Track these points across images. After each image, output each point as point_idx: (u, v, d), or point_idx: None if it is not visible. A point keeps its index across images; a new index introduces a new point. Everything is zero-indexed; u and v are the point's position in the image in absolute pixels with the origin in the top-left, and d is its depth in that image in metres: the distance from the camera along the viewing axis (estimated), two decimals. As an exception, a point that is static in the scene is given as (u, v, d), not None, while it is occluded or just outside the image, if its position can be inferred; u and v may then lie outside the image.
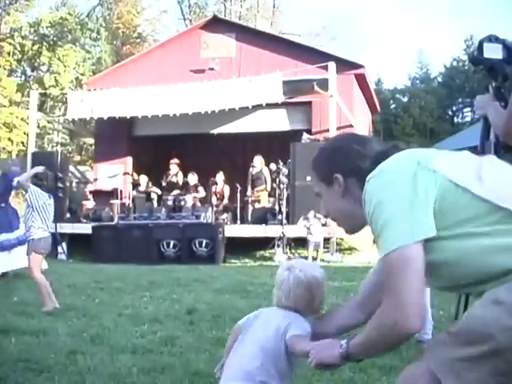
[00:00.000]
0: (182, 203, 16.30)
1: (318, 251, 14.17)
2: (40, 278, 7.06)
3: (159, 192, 17.23)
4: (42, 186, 7.36)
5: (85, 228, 15.26)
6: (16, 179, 9.12)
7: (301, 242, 14.86)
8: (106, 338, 5.51)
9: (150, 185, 17.45)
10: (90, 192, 18.19)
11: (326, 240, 14.83)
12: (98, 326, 6.10)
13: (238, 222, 15.74)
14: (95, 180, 19.43)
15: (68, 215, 17.01)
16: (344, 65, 16.72)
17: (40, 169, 7.79)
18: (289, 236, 14.26)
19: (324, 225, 13.98)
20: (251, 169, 16.28)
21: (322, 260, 14.37)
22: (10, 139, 32.80)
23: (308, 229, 13.97)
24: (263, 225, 14.96)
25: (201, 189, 16.60)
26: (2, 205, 9.62)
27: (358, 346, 2.00)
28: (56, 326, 5.85)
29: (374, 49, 77.37)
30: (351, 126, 16.91)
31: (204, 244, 13.81)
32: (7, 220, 9.50)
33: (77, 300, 7.54)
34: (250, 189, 16.14)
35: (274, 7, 44.23)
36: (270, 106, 15.99)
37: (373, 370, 4.59)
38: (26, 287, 8.42)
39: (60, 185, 16.52)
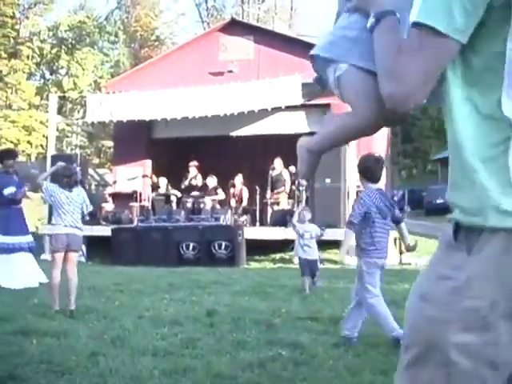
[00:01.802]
0: (202, 205, 16.29)
1: (314, 278, 9.22)
2: (52, 277, 6.99)
3: (179, 194, 17.23)
4: (67, 182, 7.22)
5: (104, 230, 15.29)
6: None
7: (320, 244, 14.77)
8: (127, 340, 5.51)
9: (170, 187, 17.45)
10: (110, 194, 18.25)
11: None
12: (118, 328, 6.08)
13: (258, 224, 15.69)
14: (114, 182, 19.46)
15: (87, 218, 17.03)
16: (363, 66, 16.61)
17: (59, 165, 7.73)
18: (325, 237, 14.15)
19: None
20: (271, 171, 16.23)
21: (341, 263, 14.27)
22: (29, 142, 33.08)
23: (300, 236, 9.48)
24: (282, 227, 14.89)
25: (220, 191, 16.58)
26: (14, 206, 9.31)
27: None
28: (77, 328, 5.85)
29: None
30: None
31: (223, 246, 13.79)
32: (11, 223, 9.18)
33: (97, 302, 7.54)
34: (269, 191, 16.10)
35: (291, 9, 44.23)
36: (289, 108, 15.93)
37: (393, 372, 4.50)
38: (46, 289, 8.42)
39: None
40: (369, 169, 5.60)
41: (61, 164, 7.84)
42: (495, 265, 1.44)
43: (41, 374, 4.39)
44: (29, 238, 9.31)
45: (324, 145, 1.92)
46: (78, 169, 7.89)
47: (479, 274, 1.46)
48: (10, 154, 9.68)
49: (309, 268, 8.94)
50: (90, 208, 7.55)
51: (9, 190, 8.87)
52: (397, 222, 5.77)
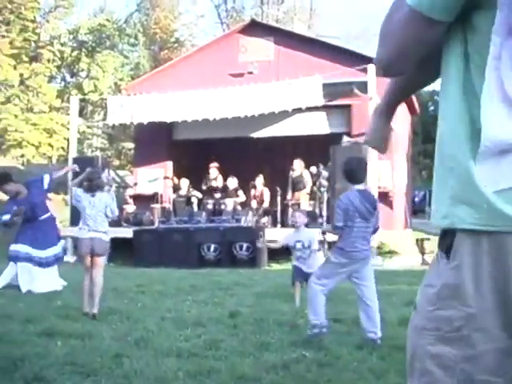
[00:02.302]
0: (222, 207, 16.31)
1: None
2: (84, 279, 7.05)
3: (200, 196, 17.24)
4: (89, 186, 7.22)
5: (126, 232, 15.33)
6: (46, 180, 9.07)
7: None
8: (150, 342, 5.51)
9: (191, 189, 17.48)
10: (131, 196, 18.29)
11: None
12: (141, 329, 6.10)
13: (279, 225, 15.65)
14: (135, 184, 19.51)
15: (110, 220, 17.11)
16: (383, 67, 16.52)
17: (88, 171, 7.76)
18: (329, 239, 14.10)
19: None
20: (291, 172, 16.19)
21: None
22: (50, 144, 33.25)
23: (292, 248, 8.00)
24: (304, 228, 14.84)
25: (241, 192, 16.58)
26: (42, 217, 9.21)
27: None
28: (100, 330, 5.87)
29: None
30: (391, 128, 16.69)
31: (245, 248, 13.78)
32: (41, 235, 9.12)
33: (120, 304, 7.56)
34: (290, 192, 16.07)
35: (311, 10, 44.10)
36: (309, 109, 15.87)
37: None
38: (69, 291, 8.48)
39: (101, 189, 16.65)
40: (351, 171, 5.64)
41: (89, 169, 7.88)
42: (468, 272, 1.37)
43: (66, 376, 4.41)
44: (57, 250, 9.25)
45: (386, 95, 1.83)
46: (106, 173, 7.81)
47: (452, 282, 1.40)
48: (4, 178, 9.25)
49: (303, 277, 7.59)
50: (116, 213, 7.47)
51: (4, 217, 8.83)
52: (374, 232, 5.78)
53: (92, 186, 7.22)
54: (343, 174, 5.77)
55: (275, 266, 14.51)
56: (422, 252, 14.19)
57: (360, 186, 5.60)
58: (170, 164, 19.31)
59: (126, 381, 4.34)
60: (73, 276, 10.03)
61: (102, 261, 7.22)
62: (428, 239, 15.32)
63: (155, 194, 17.82)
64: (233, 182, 16.70)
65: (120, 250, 15.21)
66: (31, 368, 4.52)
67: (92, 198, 7.14)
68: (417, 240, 15.21)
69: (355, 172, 5.62)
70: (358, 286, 5.70)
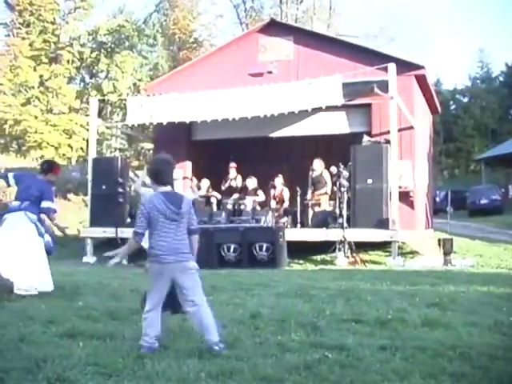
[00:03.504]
0: (242, 207, 16.29)
1: None
2: None
3: (219, 196, 17.24)
4: None
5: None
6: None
7: (362, 246, 14.66)
8: (172, 343, 5.49)
9: (210, 189, 17.47)
10: (150, 197, 18.26)
11: (388, 244, 14.61)
12: (163, 330, 6.06)
13: (299, 225, 15.61)
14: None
15: (128, 220, 17.13)
16: (404, 66, 16.42)
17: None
18: (350, 240, 14.05)
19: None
20: (311, 172, 16.14)
21: (385, 264, 14.15)
22: (69, 145, 33.46)
23: None
24: (324, 228, 14.80)
25: (260, 192, 16.55)
26: None
27: None
28: (122, 330, 5.85)
29: (433, 48, 76.11)
30: (412, 127, 16.62)
31: (264, 248, 13.73)
32: None
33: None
34: (310, 192, 16.01)
35: (330, 9, 43.96)
36: (329, 108, 15.79)
37: (443, 376, 4.49)
38: (90, 292, 8.48)
39: (120, 190, 16.72)
40: (157, 171, 5.48)
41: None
42: None
43: (89, 376, 4.40)
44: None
45: None
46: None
47: None
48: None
49: None
50: None
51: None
52: (188, 232, 5.48)
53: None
54: (149, 175, 5.58)
55: (296, 267, 14.45)
56: (445, 252, 14.04)
57: (165, 188, 5.40)
58: (189, 164, 19.33)
59: (148, 382, 4.32)
60: (93, 277, 10.07)
61: None
62: (451, 238, 15.19)
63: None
64: (252, 182, 16.69)
65: (139, 251, 15.22)
66: (54, 369, 4.52)
67: None
68: (439, 240, 15.07)
69: (160, 173, 5.45)
70: (181, 294, 5.40)
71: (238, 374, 4.51)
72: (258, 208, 16.31)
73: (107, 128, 30.16)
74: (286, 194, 16.46)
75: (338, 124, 17.31)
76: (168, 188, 5.42)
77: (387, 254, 14.99)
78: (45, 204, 8.59)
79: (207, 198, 17.38)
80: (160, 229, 5.27)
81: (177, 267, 5.30)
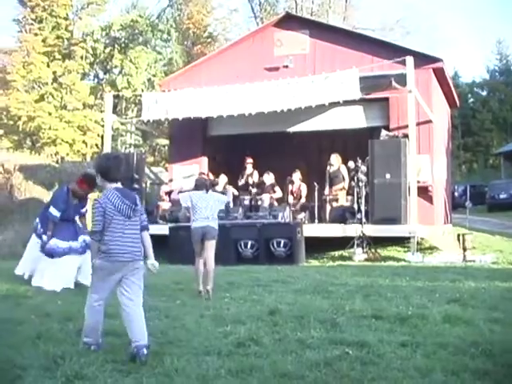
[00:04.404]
0: (259, 203, 16.23)
1: None
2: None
3: (236, 192, 17.17)
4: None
5: (161, 229, 15.27)
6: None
7: (380, 241, 14.55)
8: (190, 340, 5.48)
9: (227, 185, 17.40)
10: (166, 193, 18.25)
11: (407, 239, 14.49)
12: (180, 327, 6.06)
13: (316, 221, 15.52)
14: (170, 181, 19.54)
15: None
16: (422, 59, 16.24)
17: None
18: (368, 235, 13.95)
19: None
20: (328, 167, 16.05)
21: (403, 260, 14.03)
22: (84, 142, 33.55)
23: None
24: (342, 224, 14.70)
25: (277, 188, 16.46)
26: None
27: None
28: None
29: (450, 41, 75.41)
30: (430, 121, 16.46)
31: (282, 244, 13.61)
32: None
33: (158, 301, 7.49)
34: (327, 187, 15.92)
35: (346, 2, 43.65)
36: (346, 102, 15.65)
37: (465, 373, 4.45)
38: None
39: (136, 186, 16.69)
40: (107, 168, 5.32)
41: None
42: None
43: (107, 373, 4.41)
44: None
45: None
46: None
47: None
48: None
49: None
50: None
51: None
52: (142, 229, 5.41)
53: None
54: (98, 172, 5.39)
55: (313, 263, 14.38)
56: (464, 248, 13.88)
57: (116, 185, 5.30)
58: (205, 160, 19.29)
59: (167, 379, 4.31)
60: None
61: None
62: (471, 233, 15.04)
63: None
64: (269, 178, 16.60)
65: (156, 247, 15.12)
66: (72, 366, 4.53)
67: (206, 195, 8.78)
68: (458, 235, 14.91)
69: (110, 170, 5.31)
70: (123, 291, 5.22)
71: (257, 371, 4.50)
72: (276, 204, 16.22)
73: (122, 124, 30.20)
74: (304, 190, 16.36)
75: (355, 118, 17.18)
76: (118, 184, 5.33)
77: (406, 249, 14.88)
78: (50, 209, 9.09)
79: (224, 194, 17.29)
80: (115, 226, 5.17)
81: (130, 266, 5.18)
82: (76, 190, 9.11)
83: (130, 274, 5.18)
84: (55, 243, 8.94)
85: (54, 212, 8.97)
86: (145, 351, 4.84)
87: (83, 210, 9.36)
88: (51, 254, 8.92)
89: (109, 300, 7.17)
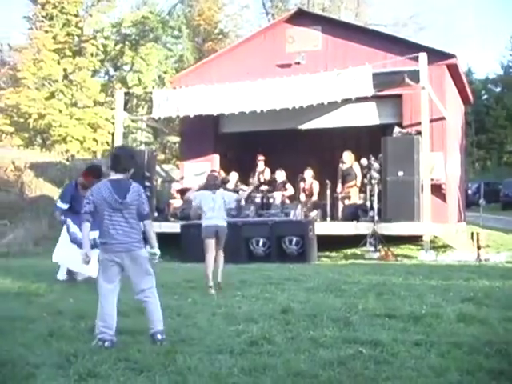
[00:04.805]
0: (271, 200, 16.16)
1: None
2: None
3: (247, 190, 17.10)
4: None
5: (173, 227, 15.26)
6: None
7: (393, 240, 14.46)
8: (203, 338, 5.47)
9: (239, 183, 17.35)
10: (177, 191, 18.21)
11: (420, 237, 14.40)
12: (192, 325, 6.05)
13: (328, 219, 15.46)
14: (182, 178, 19.51)
15: (156, 214, 17.05)
16: (435, 55, 16.11)
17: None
18: (381, 233, 13.87)
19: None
20: (341, 164, 15.98)
21: (416, 258, 13.95)
22: (94, 139, 33.60)
23: None
24: (354, 222, 14.63)
25: (289, 186, 16.38)
26: None
27: None
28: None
29: (463, 37, 74.90)
30: (444, 118, 16.35)
31: (294, 242, 13.54)
32: None
33: (169, 299, 7.45)
34: (339, 185, 15.86)
35: (358, -2, 43.43)
36: (359, 99, 15.58)
37: (480, 373, 4.41)
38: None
39: (147, 184, 16.67)
40: (113, 157, 5.62)
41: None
42: None
43: (120, 372, 4.41)
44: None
45: None
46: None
47: None
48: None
49: None
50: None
51: None
52: (140, 218, 5.52)
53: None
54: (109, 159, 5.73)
55: (326, 261, 14.32)
56: (478, 246, 13.75)
57: (116, 176, 5.49)
58: (216, 157, 19.24)
59: (180, 377, 4.29)
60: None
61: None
62: (483, 233, 14.90)
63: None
64: (281, 175, 16.54)
65: (167, 246, 15.15)
66: (85, 364, 4.54)
67: (213, 195, 9.04)
68: (472, 234, 14.78)
69: (114, 160, 5.55)
70: (133, 285, 5.50)
71: (270, 370, 4.48)
72: (287, 201, 16.16)
73: (132, 121, 30.19)
74: (316, 187, 16.28)
75: (367, 115, 17.09)
76: (119, 176, 5.48)
77: (419, 247, 14.77)
78: None
79: (235, 192, 17.24)
80: (107, 218, 5.37)
81: (126, 256, 5.34)
82: (83, 183, 9.35)
83: (131, 265, 5.36)
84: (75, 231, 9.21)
85: (60, 204, 9.42)
86: (159, 336, 5.22)
87: None
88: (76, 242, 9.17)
89: (122, 298, 7.19)
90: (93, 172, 9.31)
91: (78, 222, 9.13)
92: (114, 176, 5.49)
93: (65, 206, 9.29)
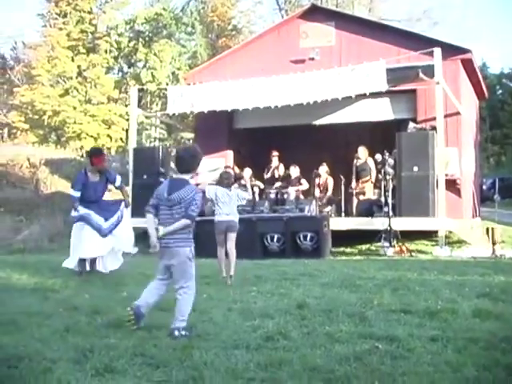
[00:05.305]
0: (285, 196, 16.15)
1: None
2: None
3: (261, 185, 17.12)
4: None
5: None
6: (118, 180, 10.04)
7: (408, 235, 14.42)
8: (218, 333, 5.47)
9: (253, 178, 17.34)
10: (191, 187, 18.19)
11: (435, 233, 14.34)
12: (208, 320, 6.05)
13: (343, 214, 15.43)
14: (196, 174, 19.46)
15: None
16: (449, 50, 16.02)
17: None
18: (396, 229, 13.82)
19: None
20: (355, 160, 15.96)
21: (431, 253, 13.90)
22: (108, 136, 33.72)
23: None
24: (369, 217, 14.59)
25: (304, 181, 16.35)
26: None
27: None
28: (167, 322, 5.78)
29: (477, 31, 74.37)
30: (458, 113, 16.25)
31: (309, 237, 13.53)
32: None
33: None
34: (354, 181, 15.83)
35: (372, -7, 43.23)
36: (373, 95, 15.51)
37: (497, 368, 4.38)
38: (133, 282, 8.48)
39: (162, 180, 16.71)
40: (176, 158, 5.93)
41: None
42: None
43: (136, 367, 4.41)
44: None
45: None
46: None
47: None
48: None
49: None
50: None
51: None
52: (184, 215, 5.64)
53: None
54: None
55: (340, 256, 14.30)
56: (493, 242, 13.67)
57: (177, 176, 5.82)
58: (230, 153, 19.25)
59: (196, 372, 4.28)
60: (135, 267, 10.10)
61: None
62: (499, 228, 14.83)
63: (216, 184, 17.74)
64: (295, 171, 16.53)
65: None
66: (101, 359, 4.54)
67: (229, 192, 9.38)
68: (487, 229, 14.71)
69: (177, 161, 5.85)
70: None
71: (286, 365, 4.47)
72: (302, 197, 16.14)
73: (146, 118, 30.27)
74: (331, 183, 16.25)
75: (382, 110, 17.03)
76: (180, 176, 5.77)
77: (433, 243, 14.71)
78: None
79: (250, 188, 17.27)
80: (161, 213, 5.69)
81: (168, 251, 5.62)
82: (95, 168, 9.63)
83: (170, 261, 5.63)
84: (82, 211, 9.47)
85: (73, 193, 9.58)
86: (176, 333, 5.34)
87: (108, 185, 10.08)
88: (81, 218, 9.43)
89: (137, 294, 7.22)
90: (93, 154, 9.74)
91: (96, 210, 9.53)
92: (176, 175, 5.82)
93: (77, 194, 9.47)
